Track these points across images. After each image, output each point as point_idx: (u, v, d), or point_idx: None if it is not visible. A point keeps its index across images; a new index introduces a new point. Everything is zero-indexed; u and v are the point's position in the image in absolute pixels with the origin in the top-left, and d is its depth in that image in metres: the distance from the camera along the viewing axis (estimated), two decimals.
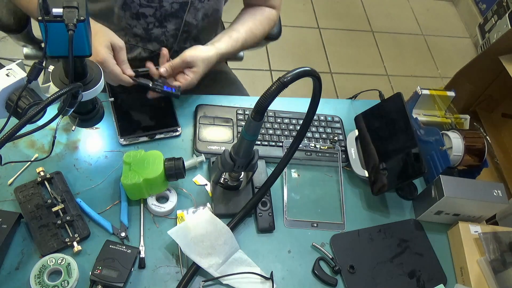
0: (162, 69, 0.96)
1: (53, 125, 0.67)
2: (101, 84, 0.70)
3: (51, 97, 0.60)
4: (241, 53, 1.42)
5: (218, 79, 1.28)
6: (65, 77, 0.67)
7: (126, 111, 0.99)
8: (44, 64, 0.62)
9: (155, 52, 1.09)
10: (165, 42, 1.07)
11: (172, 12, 1.02)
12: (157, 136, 0.97)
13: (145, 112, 1.01)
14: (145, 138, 0.96)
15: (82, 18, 0.58)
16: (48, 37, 0.58)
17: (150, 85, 0.94)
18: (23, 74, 0.63)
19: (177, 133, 0.98)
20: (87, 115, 0.78)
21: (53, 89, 0.68)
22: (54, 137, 0.84)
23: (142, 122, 0.99)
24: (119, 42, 0.91)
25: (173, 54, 1.11)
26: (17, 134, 0.59)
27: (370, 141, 1.02)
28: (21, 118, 0.59)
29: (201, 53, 0.97)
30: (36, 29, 1.17)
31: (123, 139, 0.94)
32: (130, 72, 0.92)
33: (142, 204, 0.87)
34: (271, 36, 1.25)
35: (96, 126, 0.93)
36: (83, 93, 0.68)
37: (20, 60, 0.64)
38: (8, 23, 1.09)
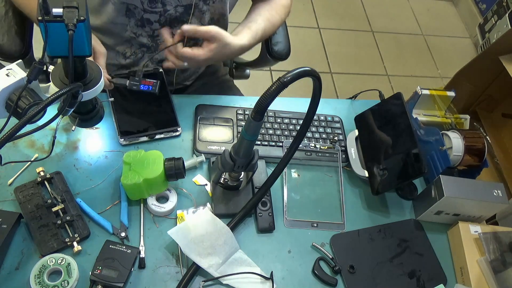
0: (186, 26, 0.90)
1: (53, 125, 0.67)
2: (101, 84, 0.70)
3: (51, 97, 0.60)
4: (247, 71, 1.41)
5: (217, 84, 1.28)
6: (65, 77, 0.67)
7: (126, 111, 0.99)
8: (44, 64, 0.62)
9: (162, 63, 1.08)
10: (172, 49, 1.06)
11: (177, 16, 1.00)
12: (157, 136, 0.97)
13: (145, 112, 1.00)
14: (145, 138, 0.96)
15: (82, 18, 0.58)
16: (48, 37, 0.58)
17: (127, 84, 0.94)
18: (23, 74, 0.63)
19: (177, 133, 0.98)
20: (87, 115, 0.78)
21: (53, 89, 0.68)
22: (54, 137, 0.84)
23: (142, 122, 0.99)
24: (101, 48, 0.90)
25: None
26: (17, 134, 0.59)
27: (370, 141, 1.02)
28: (21, 118, 0.59)
29: (226, 36, 0.93)
30: (37, 53, 1.15)
31: (123, 139, 0.94)
32: (106, 75, 0.91)
33: (142, 204, 0.87)
34: (279, 56, 1.23)
35: (96, 126, 0.94)
36: (83, 93, 0.68)
37: (20, 60, 0.64)
38: (9, 51, 1.04)
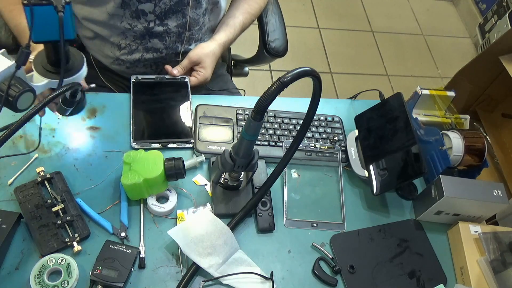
0: (175, 71, 1.05)
1: (45, 120, 0.65)
2: (84, 70, 0.69)
3: (51, 96, 0.60)
4: (246, 69, 1.42)
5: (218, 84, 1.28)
6: (47, 63, 0.65)
7: (144, 115, 0.98)
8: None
9: (158, 53, 1.09)
10: (167, 41, 1.07)
11: (172, 6, 1.01)
12: (170, 145, 0.95)
13: (162, 119, 0.99)
14: (157, 145, 0.94)
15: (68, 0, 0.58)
16: (34, 22, 0.57)
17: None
18: (8, 62, 0.61)
19: (190, 145, 0.97)
20: (70, 103, 0.76)
21: (36, 77, 0.66)
22: (40, 129, 0.81)
23: (157, 128, 0.98)
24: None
25: (180, 57, 1.11)
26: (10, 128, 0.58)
27: (370, 141, 1.02)
28: (12, 106, 0.59)
29: (204, 50, 1.05)
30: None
31: (135, 143, 0.93)
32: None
33: (142, 204, 0.87)
34: (276, 53, 1.25)
35: (96, 126, 0.93)
36: (65, 79, 0.66)
37: (3, 50, 0.63)
38: (6, 43, 1.07)
